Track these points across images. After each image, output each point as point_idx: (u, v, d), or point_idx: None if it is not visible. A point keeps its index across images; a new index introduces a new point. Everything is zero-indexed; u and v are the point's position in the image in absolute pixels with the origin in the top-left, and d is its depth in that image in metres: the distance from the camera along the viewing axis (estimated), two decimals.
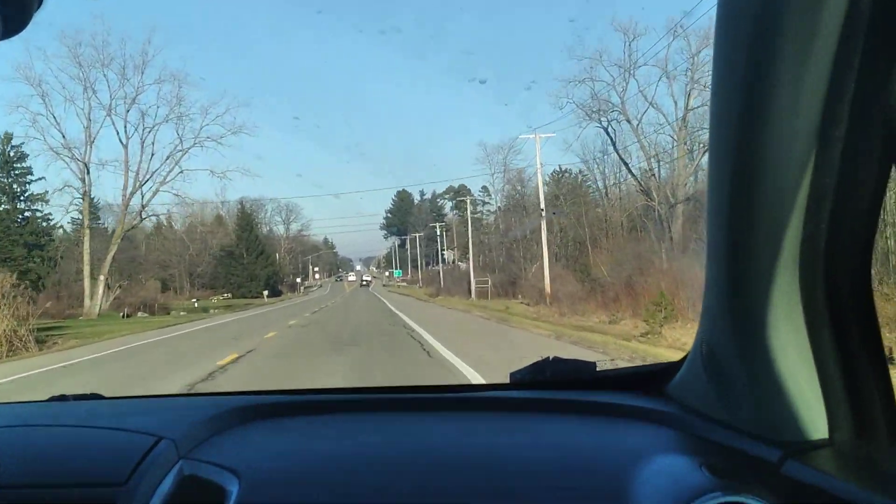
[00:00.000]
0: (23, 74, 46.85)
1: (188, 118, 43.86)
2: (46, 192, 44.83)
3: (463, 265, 58.66)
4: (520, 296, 33.31)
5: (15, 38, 0.67)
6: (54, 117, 56.01)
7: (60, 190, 41.64)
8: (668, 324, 13.77)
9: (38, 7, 0.65)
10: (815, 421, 0.89)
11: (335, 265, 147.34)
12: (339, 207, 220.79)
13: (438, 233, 75.34)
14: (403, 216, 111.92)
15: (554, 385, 1.41)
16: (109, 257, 39.12)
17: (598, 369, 1.43)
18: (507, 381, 1.47)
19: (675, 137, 33.35)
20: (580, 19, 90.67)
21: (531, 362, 1.45)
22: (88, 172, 40.19)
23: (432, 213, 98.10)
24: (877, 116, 0.75)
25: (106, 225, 53.02)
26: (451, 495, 0.97)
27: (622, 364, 7.60)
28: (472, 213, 54.51)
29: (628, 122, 34.46)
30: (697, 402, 1.12)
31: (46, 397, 1.50)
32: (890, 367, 0.92)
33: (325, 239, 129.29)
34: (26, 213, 45.52)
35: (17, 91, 78.33)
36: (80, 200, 41.06)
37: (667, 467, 0.99)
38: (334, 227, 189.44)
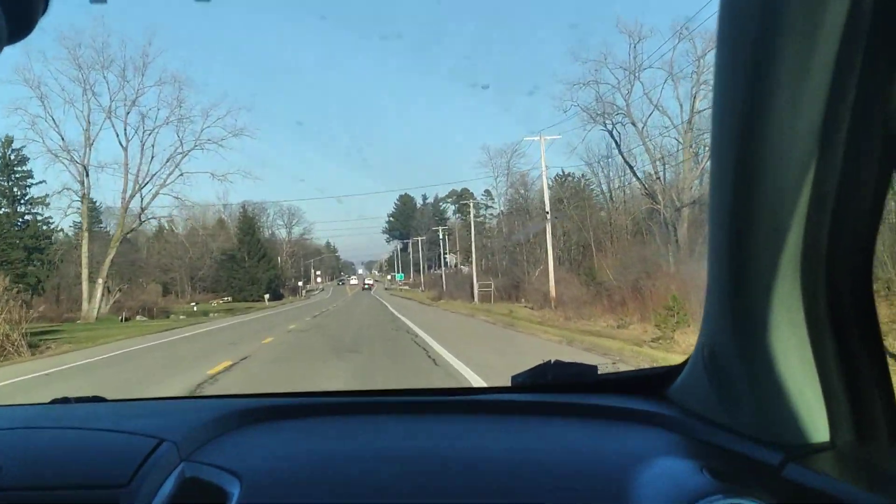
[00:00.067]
0: (22, 76, 46.87)
1: (189, 120, 43.41)
2: (47, 195, 44.64)
3: (465, 269, 58.36)
4: (523, 300, 32.96)
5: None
6: (53, 120, 55.98)
7: (59, 193, 41.30)
8: (679, 329, 13.34)
9: (44, 13, 0.64)
10: (817, 424, 0.89)
11: (337, 269, 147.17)
12: (342, 211, 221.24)
13: (441, 236, 75.10)
14: (406, 220, 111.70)
15: (555, 388, 1.42)
16: (108, 260, 38.69)
17: (599, 373, 1.43)
18: (509, 384, 1.47)
19: (681, 140, 32.98)
20: (582, 25, 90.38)
21: None
22: (87, 175, 39.85)
23: (435, 216, 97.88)
24: (878, 117, 0.75)
25: (108, 228, 52.67)
26: (452, 497, 0.97)
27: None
28: (474, 216, 54.09)
29: (633, 124, 34.10)
30: (698, 406, 1.11)
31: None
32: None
33: (328, 243, 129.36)
34: (26, 217, 45.31)
35: (16, 93, 78.32)
36: (80, 203, 40.69)
37: (668, 470, 0.99)
38: (337, 230, 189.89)
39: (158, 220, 45.29)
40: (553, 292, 27.10)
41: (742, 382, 0.96)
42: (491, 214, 69.43)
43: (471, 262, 48.74)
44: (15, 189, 44.43)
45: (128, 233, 42.52)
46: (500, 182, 59.22)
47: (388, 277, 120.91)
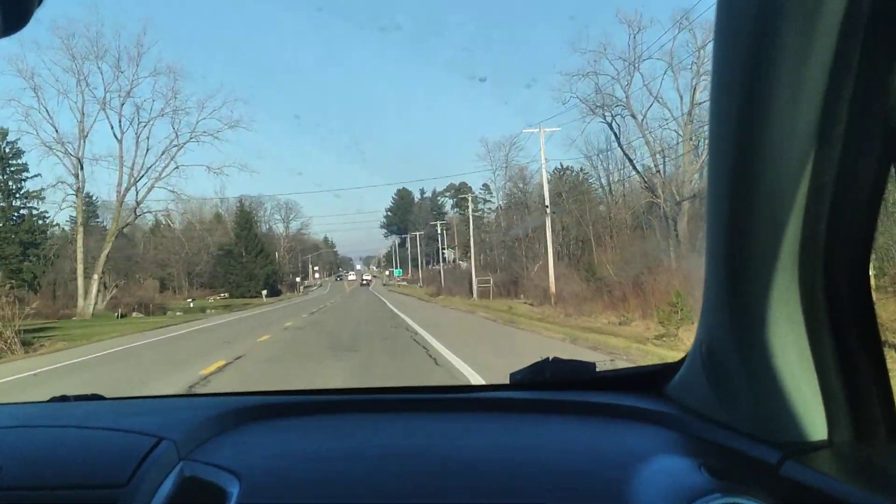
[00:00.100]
0: (15, 67, 46.39)
1: (184, 112, 42.66)
2: (42, 189, 44.23)
3: (464, 264, 58.18)
4: (522, 295, 32.73)
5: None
6: (47, 111, 55.73)
7: (54, 186, 40.90)
8: (683, 325, 13.10)
9: (39, 4, 0.64)
10: (815, 422, 0.89)
11: (335, 264, 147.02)
12: (340, 206, 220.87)
13: (439, 231, 74.87)
14: (404, 215, 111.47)
15: (553, 386, 1.41)
16: (103, 256, 38.36)
17: (597, 370, 1.43)
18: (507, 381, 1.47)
19: (681, 133, 32.72)
20: (581, 15, 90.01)
21: None
22: (82, 168, 39.55)
23: (433, 211, 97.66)
24: (876, 114, 0.76)
25: (104, 223, 52.27)
26: (451, 495, 0.97)
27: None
28: (473, 211, 53.82)
29: (633, 116, 33.87)
30: (696, 403, 1.11)
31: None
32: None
33: (325, 238, 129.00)
34: (22, 211, 44.93)
35: (8, 84, 77.83)
36: (74, 197, 40.29)
37: (666, 468, 0.99)
38: (334, 225, 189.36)
39: (154, 214, 44.80)
40: (553, 288, 26.84)
41: (740, 379, 0.96)
42: (489, 209, 69.27)
43: (469, 258, 48.51)
44: (10, 183, 44.04)
45: (123, 227, 42.17)
46: (498, 176, 58.83)
47: (387, 273, 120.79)
